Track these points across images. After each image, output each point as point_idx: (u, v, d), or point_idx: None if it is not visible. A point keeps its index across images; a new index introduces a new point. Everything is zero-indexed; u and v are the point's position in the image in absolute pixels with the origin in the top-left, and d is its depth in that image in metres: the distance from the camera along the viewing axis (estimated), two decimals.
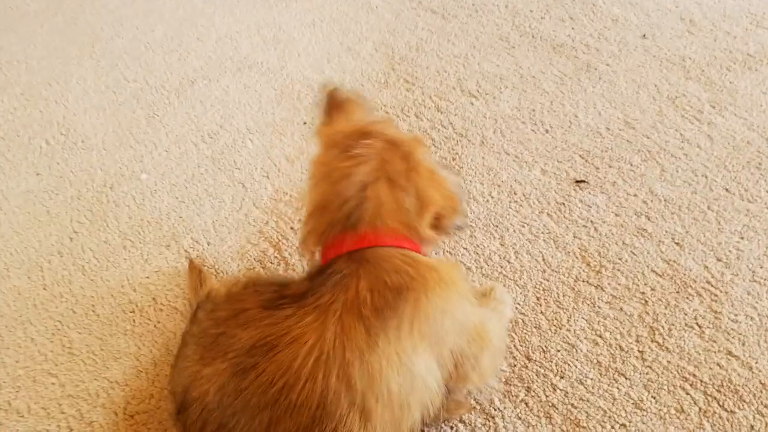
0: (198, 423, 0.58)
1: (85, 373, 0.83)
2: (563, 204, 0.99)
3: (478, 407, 0.76)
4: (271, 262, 0.94)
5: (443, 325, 0.61)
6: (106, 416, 0.79)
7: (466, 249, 0.93)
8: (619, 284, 0.88)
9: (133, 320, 0.88)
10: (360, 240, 0.63)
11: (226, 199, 1.04)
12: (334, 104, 0.76)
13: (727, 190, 0.99)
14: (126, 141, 1.14)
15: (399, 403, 0.57)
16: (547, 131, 1.12)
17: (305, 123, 1.16)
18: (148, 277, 0.93)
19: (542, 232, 0.95)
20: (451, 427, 0.75)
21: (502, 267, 0.91)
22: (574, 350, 0.81)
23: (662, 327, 0.83)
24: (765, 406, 0.75)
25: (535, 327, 0.83)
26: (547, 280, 0.89)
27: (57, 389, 0.82)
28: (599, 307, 0.85)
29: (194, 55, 1.32)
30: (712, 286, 0.87)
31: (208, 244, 0.97)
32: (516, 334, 0.83)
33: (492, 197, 1.01)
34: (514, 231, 0.95)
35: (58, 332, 0.87)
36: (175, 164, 1.09)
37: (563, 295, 0.87)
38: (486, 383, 0.72)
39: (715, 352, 0.80)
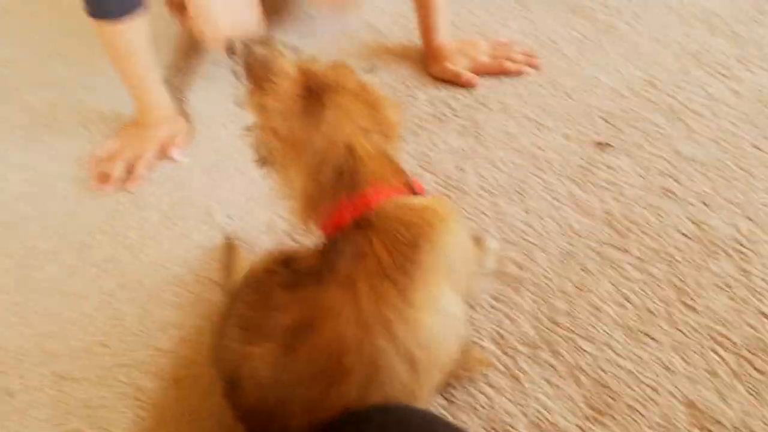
0: (252, 399, 0.58)
1: (134, 343, 0.82)
2: (586, 168, 0.91)
3: (505, 370, 0.71)
4: (300, 234, 0.91)
5: (456, 258, 0.60)
6: (155, 382, 0.78)
7: (488, 216, 0.87)
8: (645, 247, 0.81)
9: (176, 293, 0.86)
10: (362, 204, 0.60)
11: (256, 175, 0.99)
12: (257, 66, 0.64)
13: (756, 146, 0.90)
14: None
15: (438, 343, 0.57)
16: (568, 95, 1.03)
17: None
18: (187, 252, 0.90)
19: (565, 197, 0.88)
20: (479, 390, 0.70)
21: (525, 233, 0.84)
22: (601, 313, 0.75)
23: (690, 288, 0.76)
24: None
25: (561, 291, 0.77)
26: (572, 245, 0.82)
27: (110, 359, 0.80)
28: (625, 270, 0.79)
29: None
30: (741, 245, 0.79)
31: (240, 219, 0.94)
32: (541, 298, 0.77)
33: (514, 164, 0.94)
34: (537, 197, 0.89)
35: (108, 306, 0.86)
36: (206, 145, 1.06)
37: (589, 259, 0.80)
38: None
39: (745, 313, 0.73)
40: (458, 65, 1.08)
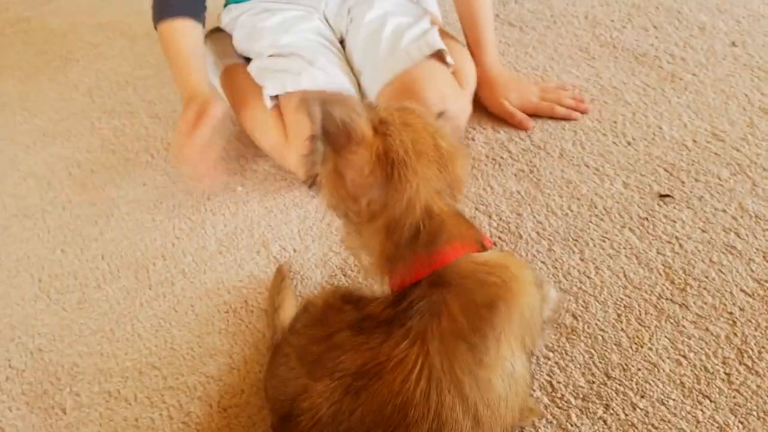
0: None
1: (184, 368, 0.89)
2: (646, 219, 0.96)
3: (555, 422, 0.75)
4: (352, 270, 0.97)
5: (530, 318, 0.65)
6: (202, 408, 0.84)
7: (543, 263, 0.93)
8: (705, 303, 0.84)
9: (227, 320, 0.94)
10: (437, 261, 0.65)
11: (311, 209, 1.08)
12: (336, 132, 0.65)
13: None
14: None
15: (503, 402, 0.61)
16: (629, 143, 1.09)
17: None
18: (241, 281, 0.99)
19: (624, 248, 0.93)
20: None
21: (581, 282, 0.89)
22: (656, 369, 0.78)
23: (751, 349, 0.79)
24: None
25: (616, 344, 0.81)
26: (629, 297, 0.86)
27: (159, 381, 0.88)
28: (683, 327, 0.82)
29: None
30: None
31: (294, 251, 1.02)
32: (595, 350, 0.81)
33: (571, 211, 0.99)
34: (595, 246, 0.94)
35: (161, 329, 0.94)
36: (263, 177, 1.15)
37: (645, 313, 0.84)
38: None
39: None
40: (511, 100, 1.15)
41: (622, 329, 0.83)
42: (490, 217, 1.01)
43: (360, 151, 0.65)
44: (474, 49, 1.18)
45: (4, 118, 1.39)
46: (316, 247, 1.02)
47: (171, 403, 0.86)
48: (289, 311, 0.88)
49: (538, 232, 0.97)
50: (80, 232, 1.11)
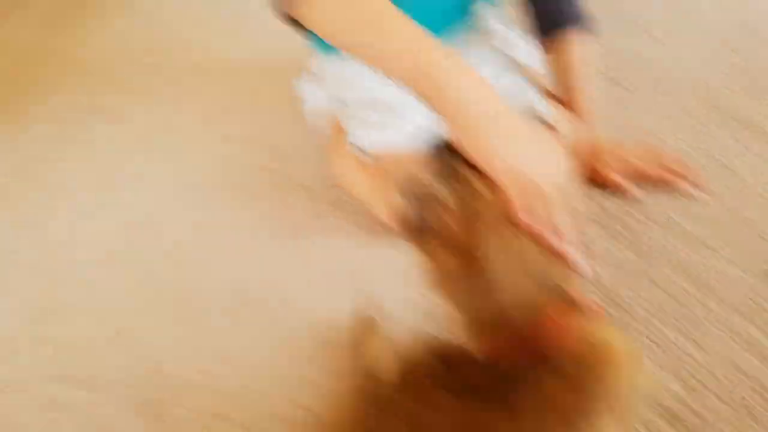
0: None
1: (284, 398, 0.90)
2: (759, 304, 0.90)
3: None
4: (442, 317, 0.96)
5: (630, 397, 0.59)
6: None
7: (649, 338, 0.88)
8: None
9: (325, 354, 0.94)
10: (537, 334, 0.62)
11: (402, 251, 1.07)
12: (422, 226, 0.66)
13: None
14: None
15: None
16: (741, 219, 1.03)
17: None
18: (339, 318, 0.99)
19: (732, 331, 0.87)
20: None
21: (688, 365, 0.85)
22: None
23: None
24: None
25: None
26: (741, 391, 0.81)
27: (266, 407, 0.89)
28: None
29: None
30: None
31: (385, 293, 1.00)
32: None
33: (675, 284, 0.95)
34: (701, 325, 0.89)
35: (263, 356, 0.96)
36: (353, 209, 1.15)
37: (758, 407, 0.79)
38: None
39: None
40: (615, 168, 1.09)
41: (731, 422, 0.78)
42: (590, 283, 0.98)
43: (441, 249, 0.65)
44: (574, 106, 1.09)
45: (120, 137, 1.46)
46: (407, 291, 1.00)
47: (271, 430, 0.86)
48: (374, 351, 0.87)
49: (640, 305, 0.93)
50: (182, 252, 1.14)
